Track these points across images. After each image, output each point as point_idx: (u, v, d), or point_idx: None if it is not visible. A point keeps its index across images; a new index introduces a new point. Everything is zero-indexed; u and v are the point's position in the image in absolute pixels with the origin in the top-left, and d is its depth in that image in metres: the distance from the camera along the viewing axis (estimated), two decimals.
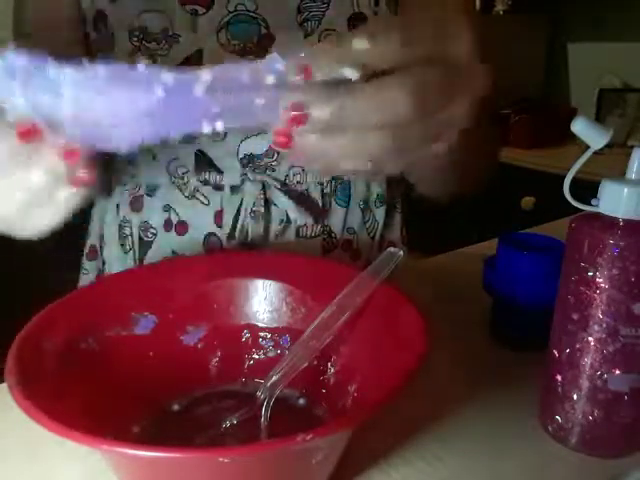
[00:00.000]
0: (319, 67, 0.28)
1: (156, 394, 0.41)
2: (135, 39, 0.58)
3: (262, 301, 0.46)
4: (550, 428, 0.41)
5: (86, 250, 0.70)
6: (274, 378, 0.39)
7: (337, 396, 0.40)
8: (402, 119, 0.29)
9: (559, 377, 0.40)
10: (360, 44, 0.28)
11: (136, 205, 0.64)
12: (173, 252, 0.62)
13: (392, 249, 0.46)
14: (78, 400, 0.32)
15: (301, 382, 0.40)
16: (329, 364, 0.42)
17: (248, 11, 0.57)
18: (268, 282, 0.46)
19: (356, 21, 0.60)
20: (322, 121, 0.29)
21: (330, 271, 0.46)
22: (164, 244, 0.63)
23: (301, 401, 0.42)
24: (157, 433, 0.29)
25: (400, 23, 0.30)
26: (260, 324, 0.46)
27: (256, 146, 0.60)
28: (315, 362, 0.42)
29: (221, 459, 0.27)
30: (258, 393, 0.39)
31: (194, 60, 0.58)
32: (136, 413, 0.38)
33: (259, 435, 0.38)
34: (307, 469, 0.34)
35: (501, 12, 2.19)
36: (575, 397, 0.39)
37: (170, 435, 0.27)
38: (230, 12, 0.57)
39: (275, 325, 0.46)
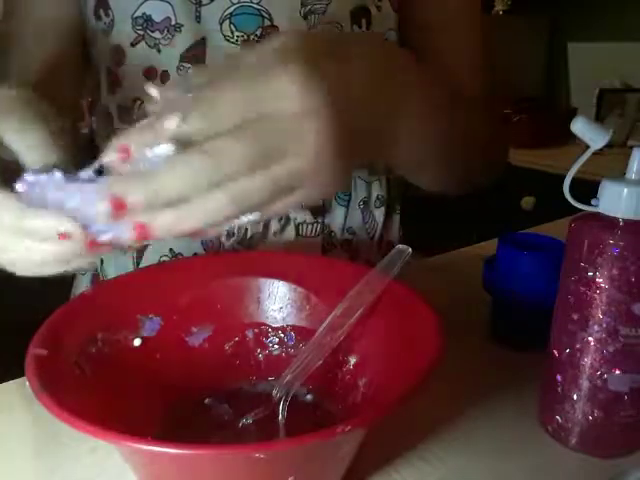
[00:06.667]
0: (136, 147, 0.30)
1: (166, 397, 0.41)
2: (139, 27, 0.58)
3: (266, 300, 0.46)
4: (550, 428, 0.41)
5: None
6: (289, 376, 0.39)
7: (347, 391, 0.40)
8: (231, 171, 0.30)
9: (559, 377, 0.40)
10: (170, 123, 0.30)
11: None
12: (171, 250, 0.62)
13: (401, 246, 0.46)
14: (94, 407, 0.32)
15: (309, 378, 0.40)
16: (338, 360, 0.42)
17: (252, 2, 0.57)
18: (271, 281, 0.46)
19: (359, 14, 0.60)
20: (141, 205, 0.29)
21: (333, 269, 0.46)
22: (162, 242, 0.62)
23: (309, 397, 0.42)
24: (171, 435, 0.28)
25: (209, 94, 0.30)
26: (264, 323, 0.46)
27: None
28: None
29: (258, 454, 0.26)
30: (274, 392, 0.39)
31: (197, 49, 0.58)
32: (148, 417, 0.38)
33: (277, 433, 0.38)
34: (326, 468, 0.33)
35: (501, 12, 2.19)
36: (575, 397, 0.39)
37: (185, 437, 0.27)
38: (234, 3, 0.57)
39: (280, 324, 0.46)
